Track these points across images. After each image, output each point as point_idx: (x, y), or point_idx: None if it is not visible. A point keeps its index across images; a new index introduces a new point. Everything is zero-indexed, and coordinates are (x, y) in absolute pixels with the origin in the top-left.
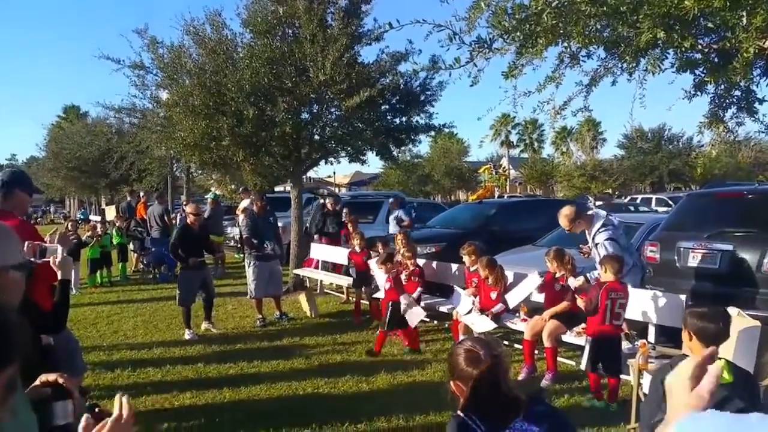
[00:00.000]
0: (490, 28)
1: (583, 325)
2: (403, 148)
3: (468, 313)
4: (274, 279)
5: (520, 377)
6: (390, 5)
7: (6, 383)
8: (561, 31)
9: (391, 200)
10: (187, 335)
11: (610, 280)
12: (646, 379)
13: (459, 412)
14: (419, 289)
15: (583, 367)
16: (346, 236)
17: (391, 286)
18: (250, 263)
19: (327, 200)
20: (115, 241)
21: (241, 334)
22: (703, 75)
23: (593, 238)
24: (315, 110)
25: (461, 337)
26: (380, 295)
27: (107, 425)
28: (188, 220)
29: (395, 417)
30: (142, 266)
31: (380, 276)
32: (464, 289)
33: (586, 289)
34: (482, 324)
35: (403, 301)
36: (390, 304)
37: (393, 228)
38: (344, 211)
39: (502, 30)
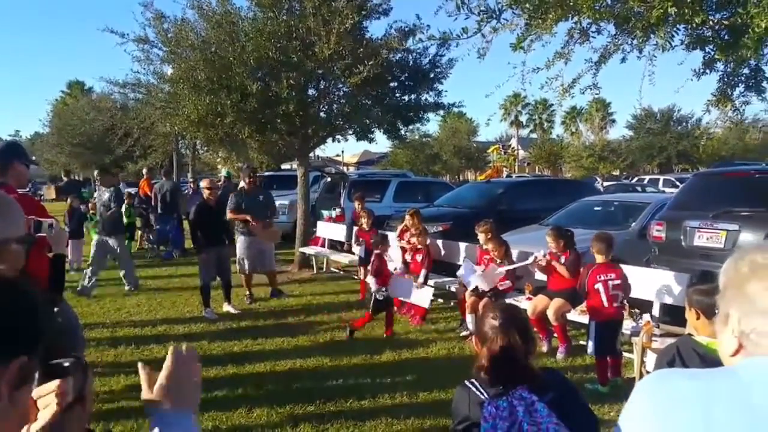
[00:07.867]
0: None
1: (583, 306)
2: (411, 126)
3: (473, 290)
4: (265, 256)
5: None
6: None
7: (30, 370)
8: (571, 4)
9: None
10: (205, 313)
11: (598, 263)
12: (650, 357)
13: (465, 382)
14: (424, 270)
15: (589, 352)
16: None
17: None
18: (236, 238)
19: None
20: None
21: (246, 312)
22: (713, 52)
23: None
24: (322, 87)
25: (468, 317)
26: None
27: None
28: (204, 195)
29: (399, 394)
30: (147, 244)
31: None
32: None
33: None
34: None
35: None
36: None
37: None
38: None
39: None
